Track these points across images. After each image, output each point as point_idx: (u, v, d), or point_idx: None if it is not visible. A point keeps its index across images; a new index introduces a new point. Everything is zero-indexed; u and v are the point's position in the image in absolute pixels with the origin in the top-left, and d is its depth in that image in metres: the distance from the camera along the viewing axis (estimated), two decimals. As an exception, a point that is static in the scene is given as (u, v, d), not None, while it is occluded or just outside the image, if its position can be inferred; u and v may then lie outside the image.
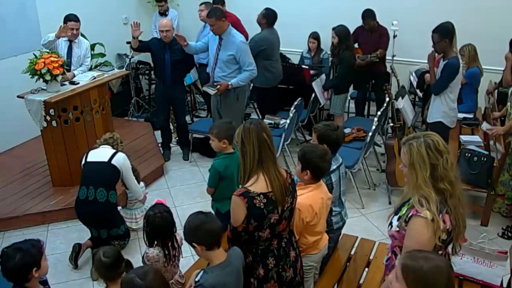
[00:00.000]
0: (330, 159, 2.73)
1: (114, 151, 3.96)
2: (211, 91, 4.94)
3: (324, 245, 2.90)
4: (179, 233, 3.03)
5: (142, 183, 4.54)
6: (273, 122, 5.48)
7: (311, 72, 5.99)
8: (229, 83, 4.87)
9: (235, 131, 3.28)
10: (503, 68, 5.04)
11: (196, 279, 2.30)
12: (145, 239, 2.85)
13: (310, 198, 2.64)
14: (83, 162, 3.94)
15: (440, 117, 4.35)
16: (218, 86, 4.87)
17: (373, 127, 4.76)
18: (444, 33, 4.13)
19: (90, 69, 5.28)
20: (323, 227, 2.82)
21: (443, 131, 4.19)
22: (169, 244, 2.85)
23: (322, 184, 2.75)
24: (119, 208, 4.54)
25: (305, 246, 2.77)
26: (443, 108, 4.33)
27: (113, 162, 3.88)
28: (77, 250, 3.94)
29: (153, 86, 7.11)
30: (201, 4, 6.01)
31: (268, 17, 5.57)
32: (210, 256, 2.31)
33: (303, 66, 6.04)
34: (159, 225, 2.79)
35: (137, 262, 3.80)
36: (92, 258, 3.83)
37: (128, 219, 4.45)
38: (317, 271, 2.98)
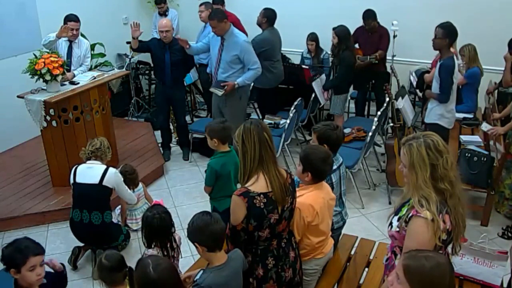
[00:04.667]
0: (332, 162, 2.73)
1: (104, 168, 3.80)
2: (219, 92, 4.91)
3: (330, 249, 2.90)
4: (178, 233, 3.04)
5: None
6: (273, 122, 5.49)
7: (311, 72, 5.99)
8: (236, 82, 4.87)
9: (227, 130, 3.41)
10: (503, 68, 5.04)
11: (195, 279, 2.32)
12: (144, 240, 2.85)
13: (310, 197, 2.63)
14: (71, 180, 3.81)
15: (437, 119, 4.35)
16: (225, 87, 4.86)
17: (373, 127, 4.76)
18: (448, 33, 4.13)
19: (90, 69, 5.28)
20: (327, 227, 2.81)
21: (441, 132, 4.17)
22: (168, 245, 2.85)
23: (323, 184, 2.74)
24: (118, 211, 4.54)
25: (309, 247, 2.76)
26: (439, 111, 4.32)
27: (104, 183, 3.75)
28: (76, 253, 3.93)
29: (153, 86, 7.11)
30: (201, 5, 6.01)
31: (268, 17, 5.56)
32: (210, 257, 2.32)
33: (303, 66, 6.04)
34: (157, 226, 2.78)
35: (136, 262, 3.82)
36: (95, 259, 3.87)
37: (128, 219, 4.46)
38: (320, 274, 2.98)
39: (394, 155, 4.71)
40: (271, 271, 2.49)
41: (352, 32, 5.64)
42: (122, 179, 4.01)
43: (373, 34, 5.83)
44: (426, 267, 1.69)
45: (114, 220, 4.13)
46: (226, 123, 3.47)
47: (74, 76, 4.93)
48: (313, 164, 2.61)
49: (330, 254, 2.94)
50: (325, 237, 2.83)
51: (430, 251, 1.88)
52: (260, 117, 6.13)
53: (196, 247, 2.30)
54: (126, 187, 4.07)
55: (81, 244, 3.99)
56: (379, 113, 5.00)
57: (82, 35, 5.28)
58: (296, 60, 6.59)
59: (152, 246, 2.81)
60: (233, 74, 4.90)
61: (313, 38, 6.15)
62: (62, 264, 2.73)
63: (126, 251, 4.10)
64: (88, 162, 3.85)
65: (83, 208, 3.77)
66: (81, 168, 3.82)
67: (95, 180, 3.74)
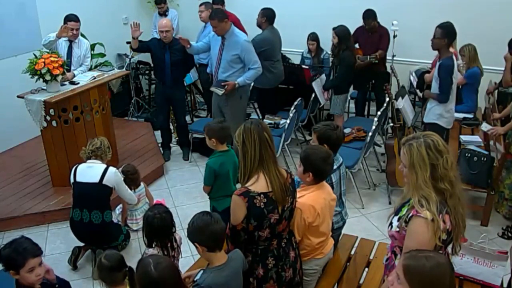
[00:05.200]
0: (332, 162, 2.73)
1: (104, 167, 3.80)
2: (219, 92, 4.91)
3: (330, 249, 2.90)
4: (178, 233, 3.04)
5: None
6: (273, 122, 5.49)
7: (312, 72, 5.99)
8: (236, 82, 4.87)
9: (225, 130, 3.44)
10: (503, 68, 5.04)
11: (195, 279, 2.32)
12: (144, 239, 2.85)
13: (312, 198, 2.63)
14: (72, 180, 3.81)
15: (436, 119, 4.36)
16: (226, 86, 4.86)
17: (373, 127, 4.76)
18: (447, 33, 4.13)
19: (90, 69, 5.28)
20: (327, 228, 2.81)
21: (440, 132, 4.18)
22: (168, 245, 2.85)
23: (324, 184, 2.74)
24: (119, 207, 4.55)
25: (309, 248, 2.75)
26: (438, 110, 4.33)
27: (104, 182, 3.75)
28: (76, 253, 3.93)
29: (153, 86, 7.11)
30: (201, 5, 6.01)
31: (267, 16, 5.55)
32: (210, 257, 2.31)
33: (303, 66, 6.04)
34: (158, 225, 2.78)
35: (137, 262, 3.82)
36: (95, 259, 3.87)
37: (128, 220, 4.46)
38: (320, 274, 2.98)
39: (394, 155, 4.71)
40: (271, 271, 2.49)
41: (352, 32, 5.64)
42: (122, 178, 4.01)
43: (373, 34, 5.83)
44: (426, 267, 1.69)
45: (114, 220, 4.13)
46: (224, 123, 3.50)
47: (74, 76, 4.93)
48: (314, 164, 2.61)
49: (330, 255, 2.94)
50: (326, 238, 2.83)
51: (430, 251, 1.88)
52: (260, 117, 6.13)
53: (196, 247, 2.30)
54: (126, 187, 4.07)
55: (81, 244, 3.99)
56: (379, 113, 5.00)
57: (82, 35, 5.28)
58: (296, 60, 6.59)
59: (153, 246, 2.81)
60: (233, 73, 4.90)
61: (313, 38, 6.16)
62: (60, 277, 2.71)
63: (126, 251, 4.10)
64: (88, 161, 3.86)
65: (83, 208, 3.77)
66: (81, 167, 3.82)
67: (95, 179, 3.75)
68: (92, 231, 3.80)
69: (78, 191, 3.80)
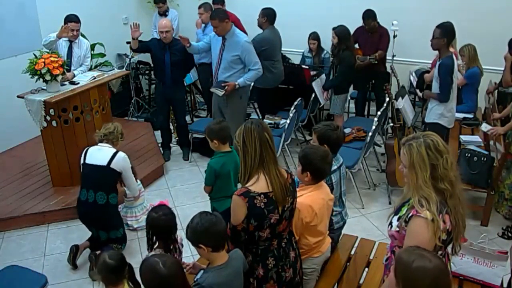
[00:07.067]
0: (331, 161, 2.73)
1: (113, 151, 3.82)
2: (219, 92, 4.91)
3: (327, 248, 2.90)
4: (179, 233, 3.03)
5: (139, 181, 4.54)
6: (273, 122, 5.49)
7: (312, 72, 5.99)
8: (236, 83, 4.87)
9: (225, 130, 3.43)
10: (503, 68, 5.04)
11: (195, 278, 2.31)
12: (148, 242, 2.84)
13: (310, 198, 2.64)
14: (82, 161, 3.85)
15: (437, 118, 4.37)
16: (226, 87, 4.86)
17: (373, 127, 4.76)
18: (446, 32, 4.15)
19: (90, 69, 5.28)
20: (325, 228, 2.81)
21: (441, 132, 4.19)
22: (171, 247, 2.84)
23: (323, 184, 2.74)
24: (120, 208, 4.56)
25: (306, 247, 2.76)
26: (439, 110, 4.34)
27: (112, 166, 3.77)
28: (74, 251, 3.93)
29: (153, 86, 7.12)
30: (200, 7, 6.02)
31: (268, 15, 5.55)
32: (214, 257, 2.29)
33: (303, 66, 6.04)
34: (163, 226, 2.78)
35: (137, 262, 3.80)
36: (91, 259, 3.86)
37: (129, 217, 4.46)
38: (319, 274, 2.98)
39: (394, 155, 4.71)
40: (271, 271, 2.49)
41: (352, 32, 5.65)
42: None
43: (373, 34, 5.83)
44: (411, 265, 1.73)
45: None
46: (223, 123, 3.49)
47: (74, 76, 4.93)
48: (313, 163, 2.61)
49: (327, 253, 2.94)
50: (323, 237, 2.84)
51: (430, 252, 1.88)
52: (260, 117, 6.13)
53: (200, 248, 2.26)
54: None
55: (78, 244, 3.99)
56: (379, 113, 5.00)
57: (82, 35, 5.28)
58: (296, 60, 6.59)
59: (154, 249, 2.81)
60: (234, 74, 4.90)
61: (315, 37, 6.17)
62: None
63: (126, 251, 4.08)
64: (99, 144, 3.88)
65: (90, 188, 3.78)
66: (92, 149, 3.86)
67: (104, 162, 3.76)
68: (95, 211, 3.79)
69: (86, 172, 3.82)
